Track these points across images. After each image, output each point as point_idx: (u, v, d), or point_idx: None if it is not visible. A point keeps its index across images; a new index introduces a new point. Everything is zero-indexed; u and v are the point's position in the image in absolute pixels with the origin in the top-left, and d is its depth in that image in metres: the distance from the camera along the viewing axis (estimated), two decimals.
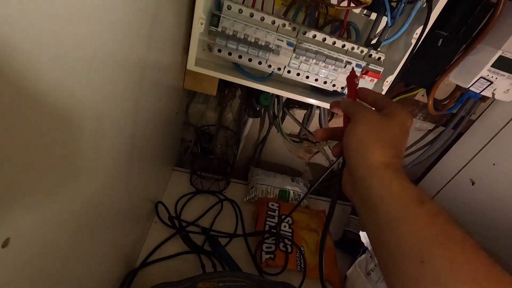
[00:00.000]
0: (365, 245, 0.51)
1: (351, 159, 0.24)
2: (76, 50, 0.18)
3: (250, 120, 0.71)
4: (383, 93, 0.52)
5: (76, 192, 0.23)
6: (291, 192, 0.72)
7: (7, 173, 0.15)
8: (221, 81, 0.55)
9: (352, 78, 0.33)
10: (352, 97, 0.31)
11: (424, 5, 0.44)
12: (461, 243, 0.18)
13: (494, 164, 0.68)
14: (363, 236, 0.51)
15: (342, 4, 0.45)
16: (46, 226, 0.20)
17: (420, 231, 0.19)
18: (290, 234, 0.60)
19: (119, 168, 0.32)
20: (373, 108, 0.27)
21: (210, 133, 0.75)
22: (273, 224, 0.61)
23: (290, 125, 0.76)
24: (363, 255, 0.53)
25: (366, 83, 0.49)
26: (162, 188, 0.64)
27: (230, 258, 0.53)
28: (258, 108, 0.67)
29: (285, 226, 0.61)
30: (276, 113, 0.70)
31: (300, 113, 0.73)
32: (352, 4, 0.45)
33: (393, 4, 0.44)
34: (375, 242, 0.22)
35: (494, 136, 0.69)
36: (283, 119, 0.74)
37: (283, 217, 0.62)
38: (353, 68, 0.42)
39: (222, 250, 0.55)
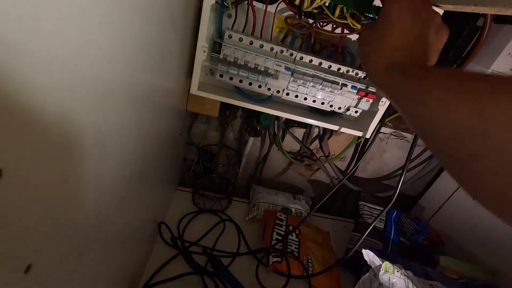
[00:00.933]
0: (368, 263, 0.51)
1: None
2: (84, 76, 0.19)
3: (251, 139, 0.72)
4: (380, 113, 0.54)
5: (80, 214, 0.24)
6: (293, 209, 0.72)
7: (24, 199, 0.16)
8: (223, 103, 0.57)
9: None
10: None
11: None
12: (442, 80, 0.20)
13: None
14: (366, 254, 0.51)
15: (336, 31, 0.48)
16: (54, 249, 0.21)
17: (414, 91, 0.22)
18: (297, 243, 0.60)
19: (124, 190, 0.34)
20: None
21: (212, 152, 0.76)
22: (282, 233, 0.61)
23: (290, 143, 0.77)
24: (367, 274, 0.53)
25: (362, 103, 0.51)
26: (165, 208, 0.65)
27: (233, 278, 0.53)
28: (258, 128, 0.69)
29: (292, 235, 0.62)
30: (276, 132, 0.72)
31: (299, 132, 0.75)
32: (345, 31, 0.47)
33: None
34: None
35: None
36: (283, 137, 0.76)
37: (290, 227, 0.62)
38: None
39: (225, 270, 0.54)
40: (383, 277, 0.49)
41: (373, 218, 0.70)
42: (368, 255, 0.51)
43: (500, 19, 0.55)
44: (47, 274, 0.21)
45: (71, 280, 0.26)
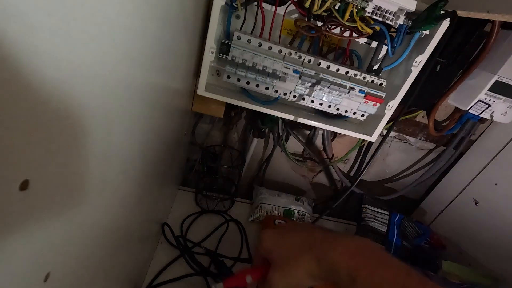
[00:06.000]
0: None
1: None
2: (97, 72, 0.19)
3: (255, 140, 0.72)
4: (387, 117, 0.54)
5: (85, 214, 0.23)
6: (296, 211, 0.72)
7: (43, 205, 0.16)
8: (228, 103, 0.56)
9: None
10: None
11: (423, 36, 0.46)
12: None
13: (496, 184, 0.69)
14: None
15: (344, 34, 0.47)
16: (58, 244, 0.20)
17: None
18: None
19: (128, 190, 0.33)
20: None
21: (215, 152, 0.76)
22: None
23: (293, 145, 0.77)
24: None
25: (369, 107, 0.51)
26: (168, 208, 0.65)
27: None
28: (263, 129, 0.68)
29: None
30: (280, 134, 0.72)
31: (303, 133, 0.75)
32: (354, 34, 0.47)
33: (393, 34, 0.47)
34: None
35: (495, 156, 0.70)
36: (287, 139, 0.75)
37: None
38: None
39: (229, 272, 0.54)
40: None
41: (376, 221, 0.70)
42: None
43: (507, 25, 0.55)
44: (62, 279, 0.20)
45: (78, 283, 0.26)
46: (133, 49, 0.23)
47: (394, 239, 0.67)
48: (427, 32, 0.45)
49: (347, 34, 0.47)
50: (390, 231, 0.68)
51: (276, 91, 0.49)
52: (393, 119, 0.56)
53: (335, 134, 0.76)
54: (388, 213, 0.72)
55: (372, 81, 0.50)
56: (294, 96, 0.50)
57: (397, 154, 0.82)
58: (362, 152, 0.79)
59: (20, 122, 0.13)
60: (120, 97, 0.24)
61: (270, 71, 0.46)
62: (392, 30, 0.47)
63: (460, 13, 0.38)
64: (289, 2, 0.45)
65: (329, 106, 0.52)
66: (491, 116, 0.62)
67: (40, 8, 0.12)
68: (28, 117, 0.13)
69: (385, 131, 0.76)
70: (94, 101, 0.20)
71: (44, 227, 0.17)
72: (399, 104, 0.53)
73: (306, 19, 0.46)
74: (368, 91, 0.49)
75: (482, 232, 0.70)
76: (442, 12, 0.40)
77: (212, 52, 0.46)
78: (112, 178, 0.27)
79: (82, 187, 0.22)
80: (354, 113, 0.52)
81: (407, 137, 0.78)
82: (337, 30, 0.47)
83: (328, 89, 0.48)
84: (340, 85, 0.48)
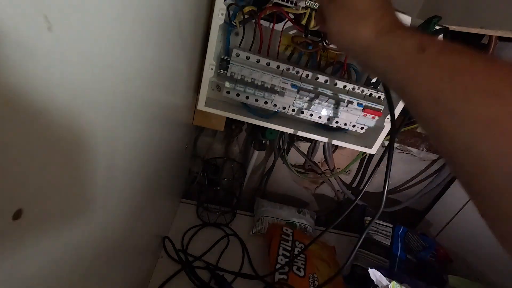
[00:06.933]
0: (375, 283, 0.50)
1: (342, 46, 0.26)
2: (99, 93, 0.20)
3: (256, 152, 0.72)
4: (386, 130, 0.54)
5: (86, 227, 0.23)
6: (298, 224, 0.71)
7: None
8: (229, 117, 0.57)
9: None
10: None
11: None
12: (468, 70, 0.17)
13: None
14: (373, 273, 0.50)
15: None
16: (56, 263, 0.21)
17: (428, 78, 0.19)
18: (303, 260, 0.59)
19: (131, 203, 0.33)
20: None
21: (217, 165, 0.76)
22: (288, 248, 0.60)
23: (295, 156, 0.77)
24: None
25: (367, 120, 0.51)
26: (170, 221, 0.65)
27: None
28: (263, 142, 0.69)
29: (298, 251, 0.61)
30: (281, 146, 0.72)
31: (304, 145, 0.75)
32: None
33: None
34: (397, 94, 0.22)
35: None
36: (288, 150, 0.75)
37: (297, 243, 0.62)
38: None
39: (229, 287, 0.54)
40: None
41: (379, 234, 0.69)
42: (375, 274, 0.50)
43: (506, 38, 0.55)
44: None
45: None
46: (133, 70, 0.24)
47: (398, 253, 0.65)
48: None
49: None
50: (394, 244, 0.67)
51: (275, 105, 0.50)
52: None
53: (336, 146, 0.76)
54: (391, 225, 0.71)
55: (370, 95, 0.50)
56: (293, 110, 0.51)
57: (400, 165, 0.81)
58: (364, 163, 0.78)
59: (16, 152, 0.13)
60: (124, 114, 0.24)
61: (269, 86, 0.47)
62: None
63: (453, 28, 0.38)
64: (286, 19, 0.46)
65: (328, 120, 0.52)
66: None
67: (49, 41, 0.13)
68: (25, 145, 0.14)
69: (386, 143, 0.76)
70: (98, 122, 0.20)
71: (37, 252, 0.17)
72: (399, 115, 0.53)
73: (303, 36, 0.47)
74: (366, 104, 0.50)
75: (490, 245, 0.68)
76: (436, 27, 0.40)
77: (212, 69, 0.47)
78: (113, 195, 0.27)
79: (82, 208, 0.22)
80: (353, 126, 0.53)
81: (409, 148, 0.77)
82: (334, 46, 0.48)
83: (326, 103, 0.49)
84: (338, 99, 0.49)
